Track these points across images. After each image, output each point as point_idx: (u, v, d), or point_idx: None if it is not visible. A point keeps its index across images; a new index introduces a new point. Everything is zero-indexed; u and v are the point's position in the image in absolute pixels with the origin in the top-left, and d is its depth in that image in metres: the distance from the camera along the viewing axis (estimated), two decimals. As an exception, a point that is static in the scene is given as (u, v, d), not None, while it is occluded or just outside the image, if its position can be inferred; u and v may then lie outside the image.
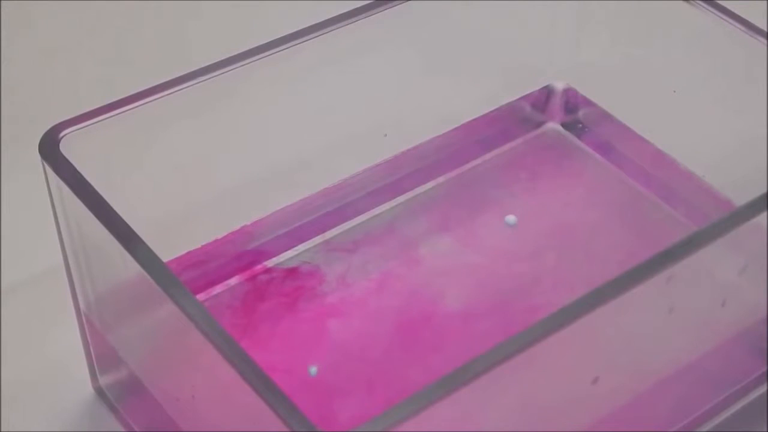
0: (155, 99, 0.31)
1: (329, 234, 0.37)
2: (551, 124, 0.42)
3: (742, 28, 0.35)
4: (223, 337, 0.25)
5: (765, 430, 0.34)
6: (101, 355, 0.33)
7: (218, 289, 0.35)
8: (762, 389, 0.35)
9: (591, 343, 0.27)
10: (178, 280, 0.26)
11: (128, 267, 0.27)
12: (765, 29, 0.35)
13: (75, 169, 0.28)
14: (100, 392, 0.34)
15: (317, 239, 0.37)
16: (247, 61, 0.32)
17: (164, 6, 0.49)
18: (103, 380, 0.34)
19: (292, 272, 0.36)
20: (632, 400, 0.30)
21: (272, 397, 0.23)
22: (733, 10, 0.36)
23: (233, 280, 0.35)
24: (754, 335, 0.34)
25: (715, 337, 0.31)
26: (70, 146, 0.29)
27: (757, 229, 0.29)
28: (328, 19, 0.34)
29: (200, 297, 0.35)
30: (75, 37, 0.48)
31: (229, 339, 0.25)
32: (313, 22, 0.34)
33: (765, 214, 0.28)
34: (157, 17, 0.49)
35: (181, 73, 0.32)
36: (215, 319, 0.25)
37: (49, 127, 0.30)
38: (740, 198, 0.29)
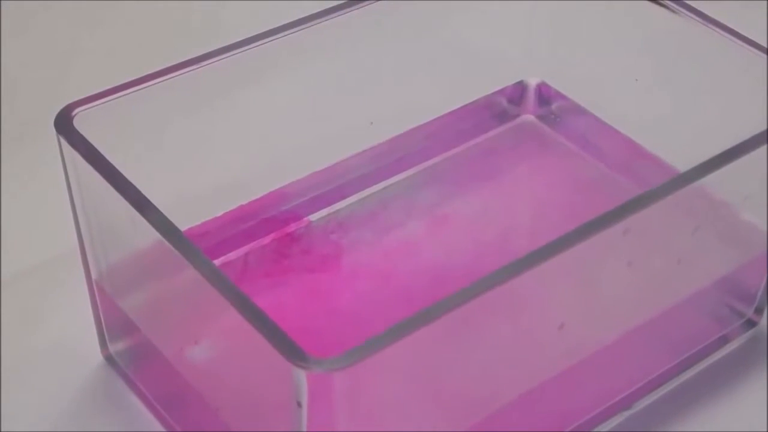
0: (164, 80, 0.34)
1: (317, 215, 0.40)
2: (526, 116, 0.44)
3: (703, 22, 0.37)
4: (230, 287, 0.28)
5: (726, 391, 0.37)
6: (111, 322, 0.35)
7: (219, 261, 0.38)
8: (723, 351, 0.38)
9: (556, 288, 0.30)
10: (188, 240, 0.29)
11: (140, 231, 0.30)
12: (723, 23, 0.37)
13: (88, 142, 0.31)
14: (109, 359, 0.37)
15: (303, 221, 0.40)
16: (247, 48, 0.35)
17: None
18: (113, 347, 0.36)
19: (279, 250, 0.39)
20: (596, 352, 0.33)
21: (272, 332, 0.26)
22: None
23: (233, 254, 0.38)
24: (710, 299, 0.36)
25: (673, 295, 0.34)
26: (83, 123, 0.32)
27: (704, 194, 0.32)
28: (317, 12, 0.37)
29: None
30: (78, 33, 0.51)
31: (235, 288, 0.27)
32: (305, 15, 0.37)
33: (711, 176, 0.31)
34: (155, 13, 0.52)
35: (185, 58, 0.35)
36: (223, 273, 0.28)
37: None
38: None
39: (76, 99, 0.33)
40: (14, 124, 0.46)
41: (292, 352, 0.26)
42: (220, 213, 0.39)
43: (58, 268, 0.39)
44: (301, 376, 0.25)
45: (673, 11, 0.38)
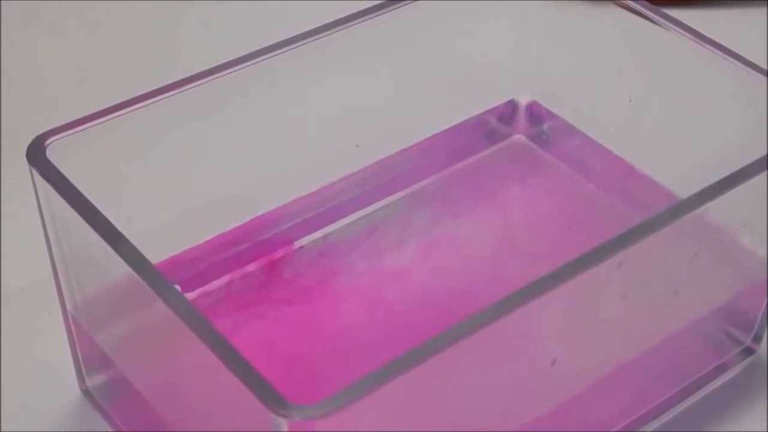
0: (139, 108, 0.33)
1: (303, 241, 0.39)
2: (517, 135, 0.43)
3: (699, 41, 0.37)
4: (205, 326, 0.27)
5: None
6: (88, 357, 0.35)
7: (194, 294, 0.37)
8: (721, 380, 0.37)
9: (548, 324, 0.29)
10: (162, 275, 0.28)
11: (113, 264, 0.29)
12: (719, 42, 0.37)
13: (60, 173, 0.30)
14: (87, 394, 0.36)
15: (291, 247, 0.39)
16: (226, 72, 0.34)
17: (151, 17, 0.52)
18: (90, 382, 0.35)
19: (263, 278, 0.38)
20: (591, 386, 0.32)
21: (249, 376, 0.25)
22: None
23: (217, 282, 0.37)
24: (708, 328, 0.36)
25: (670, 325, 0.33)
26: (57, 153, 0.31)
27: (703, 222, 0.31)
28: (301, 34, 0.36)
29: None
30: (65, 47, 0.50)
31: (209, 327, 0.26)
32: (287, 36, 0.36)
33: (710, 203, 0.30)
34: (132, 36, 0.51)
35: (163, 84, 0.34)
36: (198, 311, 0.27)
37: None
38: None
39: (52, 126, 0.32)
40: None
41: (271, 398, 0.24)
42: (204, 240, 0.37)
43: (38, 296, 0.38)
44: (282, 424, 0.24)
45: (666, 29, 0.37)
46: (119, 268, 0.28)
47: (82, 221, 0.29)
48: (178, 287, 0.35)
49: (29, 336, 0.38)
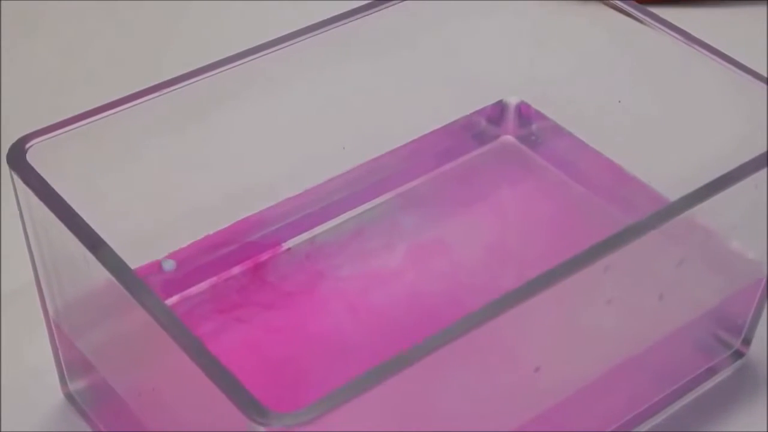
0: (121, 110, 0.32)
1: (289, 244, 0.39)
2: (506, 136, 0.43)
3: (688, 42, 0.36)
4: (183, 332, 0.26)
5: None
6: (70, 361, 0.34)
7: (178, 298, 0.36)
8: (710, 383, 0.36)
9: (531, 330, 0.28)
10: (141, 281, 0.27)
11: (93, 270, 0.28)
12: (708, 42, 0.37)
13: (41, 177, 0.30)
14: (69, 397, 0.35)
15: (277, 249, 0.39)
16: (211, 73, 0.34)
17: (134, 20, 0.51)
18: (73, 386, 0.35)
19: (248, 281, 0.37)
20: (576, 392, 0.31)
21: (228, 383, 0.25)
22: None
23: (197, 288, 0.37)
24: (696, 331, 0.35)
25: (656, 331, 0.33)
26: (38, 156, 0.31)
27: (691, 225, 0.31)
28: (287, 35, 0.36)
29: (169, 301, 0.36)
30: (58, 49, 0.50)
31: (188, 333, 0.26)
32: (273, 37, 0.36)
33: (698, 207, 0.30)
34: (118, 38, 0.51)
35: (146, 85, 0.33)
36: (177, 317, 0.27)
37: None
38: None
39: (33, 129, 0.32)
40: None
41: (250, 405, 0.24)
42: (189, 242, 0.37)
43: (22, 300, 0.38)
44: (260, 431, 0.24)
45: (655, 30, 0.37)
46: (99, 274, 0.28)
47: (62, 226, 0.29)
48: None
49: (13, 340, 0.37)
